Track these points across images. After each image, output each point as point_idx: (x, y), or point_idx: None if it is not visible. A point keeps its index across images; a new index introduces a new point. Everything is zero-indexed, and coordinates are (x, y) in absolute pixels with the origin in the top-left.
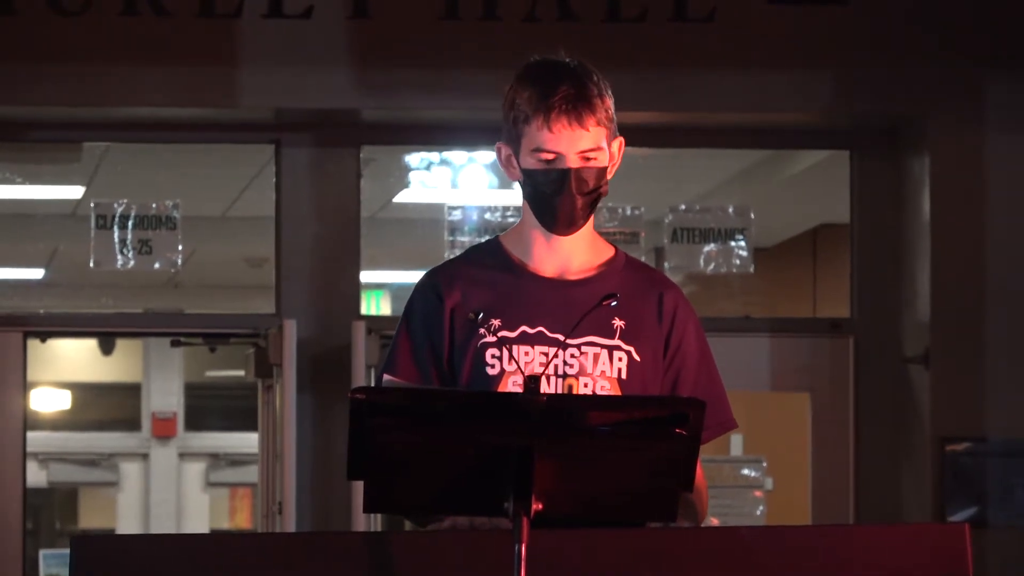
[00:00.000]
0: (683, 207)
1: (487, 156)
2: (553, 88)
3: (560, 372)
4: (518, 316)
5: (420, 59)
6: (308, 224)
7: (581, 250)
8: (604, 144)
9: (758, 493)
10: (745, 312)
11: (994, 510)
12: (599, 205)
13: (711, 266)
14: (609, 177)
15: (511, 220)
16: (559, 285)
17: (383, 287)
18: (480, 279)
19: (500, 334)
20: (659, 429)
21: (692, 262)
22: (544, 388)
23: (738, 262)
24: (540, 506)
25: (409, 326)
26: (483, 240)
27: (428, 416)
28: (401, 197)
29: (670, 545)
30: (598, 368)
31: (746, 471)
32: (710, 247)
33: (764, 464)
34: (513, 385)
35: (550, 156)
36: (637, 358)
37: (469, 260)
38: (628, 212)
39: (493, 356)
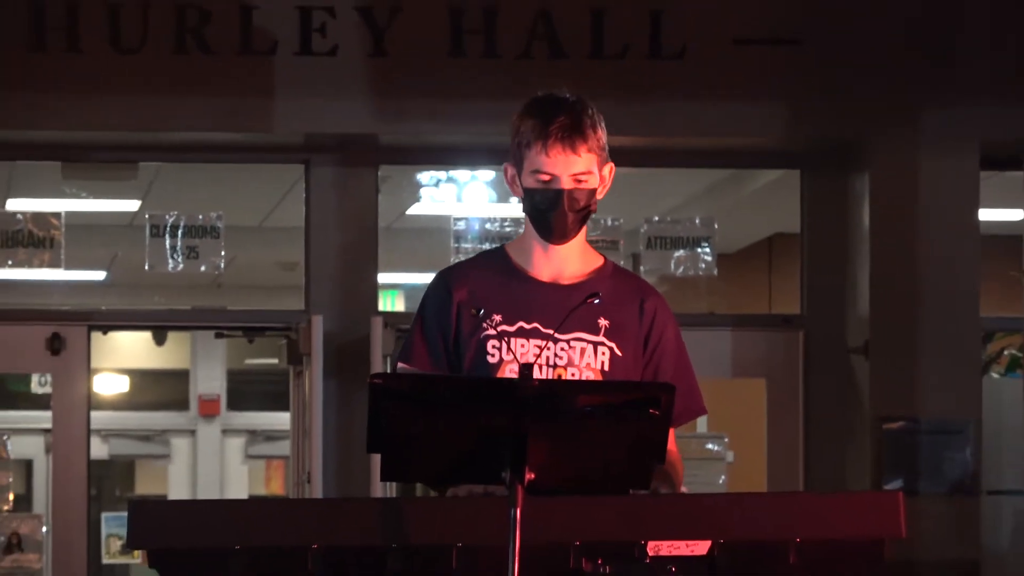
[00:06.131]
0: (656, 219)
1: (488, 174)
2: (551, 119)
3: (551, 363)
4: (517, 313)
5: (430, 91)
6: (333, 233)
7: (574, 259)
8: (595, 168)
9: (721, 465)
10: (710, 309)
11: (924, 480)
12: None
13: (680, 269)
14: (600, 197)
15: (509, 230)
16: (553, 288)
17: (398, 287)
18: (486, 280)
19: (500, 328)
20: (635, 410)
21: (664, 266)
22: (536, 376)
23: (704, 266)
24: (533, 476)
25: (423, 319)
26: (489, 247)
27: (436, 399)
28: (413, 210)
29: (644, 510)
30: (584, 360)
31: (710, 446)
32: (680, 253)
33: (726, 440)
34: (510, 372)
35: (547, 177)
36: (619, 353)
37: (477, 263)
38: (609, 223)
39: (494, 347)
